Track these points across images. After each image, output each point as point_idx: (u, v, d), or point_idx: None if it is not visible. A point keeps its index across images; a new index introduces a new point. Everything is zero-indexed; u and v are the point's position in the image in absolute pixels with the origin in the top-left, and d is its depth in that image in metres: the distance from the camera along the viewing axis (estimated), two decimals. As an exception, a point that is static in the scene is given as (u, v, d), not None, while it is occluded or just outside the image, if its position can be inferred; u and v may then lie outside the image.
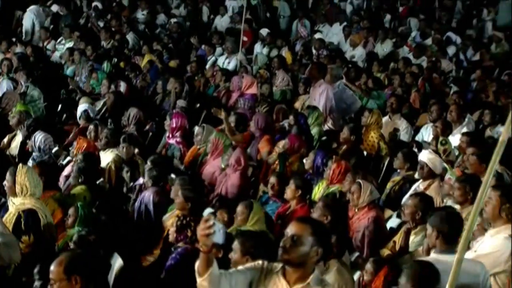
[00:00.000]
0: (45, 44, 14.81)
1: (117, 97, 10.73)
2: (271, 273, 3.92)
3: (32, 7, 15.45)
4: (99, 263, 4.91)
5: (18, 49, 13.53)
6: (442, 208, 5.97)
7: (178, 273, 5.81)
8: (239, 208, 6.49)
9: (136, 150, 8.69)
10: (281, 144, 8.78)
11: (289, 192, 7.04)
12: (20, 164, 6.52)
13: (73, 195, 7.22)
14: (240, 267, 4.01)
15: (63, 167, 8.71)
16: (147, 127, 10.13)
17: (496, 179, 6.62)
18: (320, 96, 10.37)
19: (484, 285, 4.84)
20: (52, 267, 3.93)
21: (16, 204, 6.24)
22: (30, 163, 8.82)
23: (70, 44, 14.03)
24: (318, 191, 7.69)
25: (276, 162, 8.56)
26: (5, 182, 6.36)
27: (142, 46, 14.41)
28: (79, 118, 10.06)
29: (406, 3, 17.37)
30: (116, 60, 13.22)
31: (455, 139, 8.59)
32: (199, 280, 3.77)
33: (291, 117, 9.64)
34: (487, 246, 5.20)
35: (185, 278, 5.48)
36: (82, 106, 10.23)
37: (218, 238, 3.62)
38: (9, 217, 6.23)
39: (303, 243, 3.77)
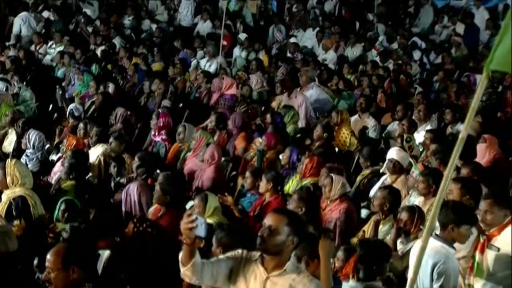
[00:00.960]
0: (37, 48, 14.69)
1: (106, 97, 10.69)
2: (249, 261, 3.93)
3: (22, 13, 15.34)
4: (93, 254, 4.90)
5: (11, 52, 13.45)
6: None
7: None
8: (196, 201, 6.53)
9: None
10: (258, 142, 8.80)
11: (262, 185, 7.09)
12: (8, 159, 6.54)
13: (64, 190, 7.20)
14: (221, 256, 4.01)
15: (54, 163, 8.69)
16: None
17: (457, 173, 6.70)
18: (299, 108, 10.39)
19: None
20: (49, 257, 3.85)
21: (7, 193, 6.24)
22: (23, 159, 8.78)
23: (60, 48, 13.92)
24: (292, 184, 7.71)
25: (254, 158, 8.57)
26: None
27: (128, 49, 14.36)
28: (68, 117, 10.06)
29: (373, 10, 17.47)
30: (104, 63, 13.16)
31: (419, 136, 8.65)
32: (182, 269, 3.78)
33: (267, 116, 9.66)
34: None
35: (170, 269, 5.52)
36: (70, 106, 10.35)
37: (200, 231, 3.63)
38: (1, 206, 6.22)
39: (280, 233, 3.77)
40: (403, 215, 5.65)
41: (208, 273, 3.83)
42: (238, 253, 3.97)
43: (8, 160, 6.48)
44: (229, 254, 4.01)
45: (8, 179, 6.29)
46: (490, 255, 5.04)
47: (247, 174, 7.47)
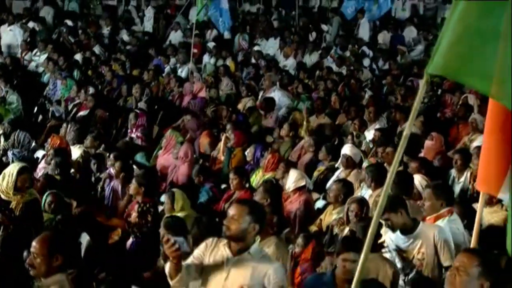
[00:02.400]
0: (23, 55, 14.46)
1: (97, 100, 10.59)
2: (218, 246, 3.97)
3: (10, 24, 15.12)
4: (76, 243, 4.83)
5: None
6: None
7: (139, 253, 5.79)
8: (164, 199, 6.54)
9: (102, 146, 8.64)
10: (224, 138, 8.76)
11: (232, 180, 7.05)
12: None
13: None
14: (194, 253, 4.03)
15: (39, 160, 8.58)
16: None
17: (403, 167, 6.77)
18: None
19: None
20: (35, 244, 3.79)
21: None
22: (10, 157, 8.66)
23: (45, 55, 13.72)
24: (256, 178, 7.73)
25: (222, 154, 8.59)
26: None
27: (107, 57, 14.25)
28: (50, 119, 9.96)
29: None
30: (84, 68, 13.03)
31: (370, 134, 8.72)
32: (171, 282, 3.85)
33: (234, 116, 9.66)
34: None
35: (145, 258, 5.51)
36: (51, 108, 10.38)
37: (184, 248, 3.65)
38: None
39: (242, 221, 3.82)
40: (353, 206, 5.63)
41: (190, 279, 3.89)
42: (205, 243, 4.02)
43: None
44: (198, 249, 4.05)
45: None
46: None
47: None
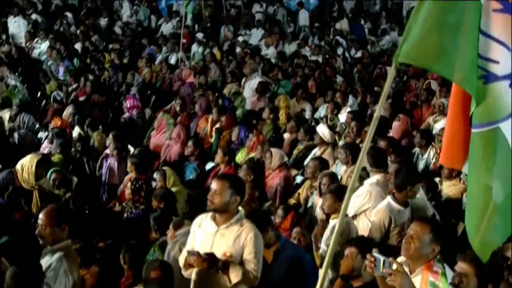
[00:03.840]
0: (27, 44, 14.25)
1: (94, 85, 10.49)
2: (206, 219, 3.99)
3: (17, 17, 14.91)
4: (80, 215, 4.84)
5: (5, 48, 13.04)
6: None
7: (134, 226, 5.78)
8: (157, 177, 6.52)
9: (100, 127, 8.57)
10: (211, 120, 8.71)
11: (218, 158, 7.09)
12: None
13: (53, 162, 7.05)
14: (189, 234, 4.09)
15: (42, 140, 8.51)
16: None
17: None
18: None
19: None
20: (42, 216, 3.83)
21: None
22: (16, 138, 8.57)
23: (45, 43, 13.54)
24: (241, 156, 7.72)
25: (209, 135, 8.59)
26: None
27: (104, 46, 14.11)
28: (52, 102, 9.84)
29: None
30: (83, 57, 12.88)
31: (342, 116, 8.73)
32: (185, 272, 3.98)
33: (220, 101, 9.62)
34: (359, 191, 5.37)
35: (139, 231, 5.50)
36: (53, 93, 10.12)
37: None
38: None
39: (224, 195, 3.83)
40: (324, 180, 5.60)
41: None
42: (197, 218, 4.06)
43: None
44: (190, 227, 4.12)
45: None
46: None
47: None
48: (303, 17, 16.67)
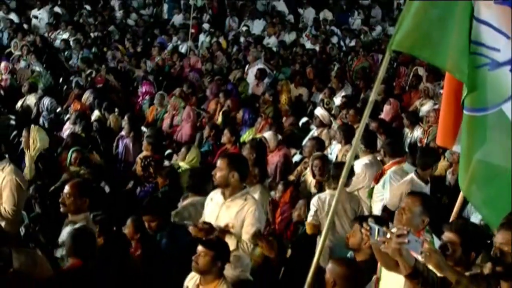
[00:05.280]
0: (49, 34, 14.14)
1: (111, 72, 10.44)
2: (216, 193, 4.09)
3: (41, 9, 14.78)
4: (99, 190, 4.92)
5: (30, 38, 12.94)
6: None
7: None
8: (182, 150, 6.57)
9: (117, 110, 8.53)
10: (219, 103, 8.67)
11: (226, 137, 7.01)
12: (32, 125, 6.33)
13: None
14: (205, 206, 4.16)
15: (64, 122, 8.46)
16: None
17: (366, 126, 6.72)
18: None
19: None
20: (68, 187, 4.00)
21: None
22: (41, 120, 8.53)
23: (66, 35, 13.44)
24: (248, 136, 7.69)
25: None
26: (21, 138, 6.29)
27: (120, 36, 14.00)
28: (74, 88, 9.78)
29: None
30: (101, 46, 12.79)
31: (337, 100, 8.66)
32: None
33: (226, 86, 9.56)
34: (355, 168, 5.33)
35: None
36: (74, 79, 10.09)
37: None
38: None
39: (224, 170, 3.90)
40: (316, 162, 5.52)
41: None
42: (212, 192, 4.17)
43: (32, 126, 6.29)
44: (205, 201, 4.18)
45: (31, 141, 6.12)
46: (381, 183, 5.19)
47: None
48: (282, 6, 16.60)
